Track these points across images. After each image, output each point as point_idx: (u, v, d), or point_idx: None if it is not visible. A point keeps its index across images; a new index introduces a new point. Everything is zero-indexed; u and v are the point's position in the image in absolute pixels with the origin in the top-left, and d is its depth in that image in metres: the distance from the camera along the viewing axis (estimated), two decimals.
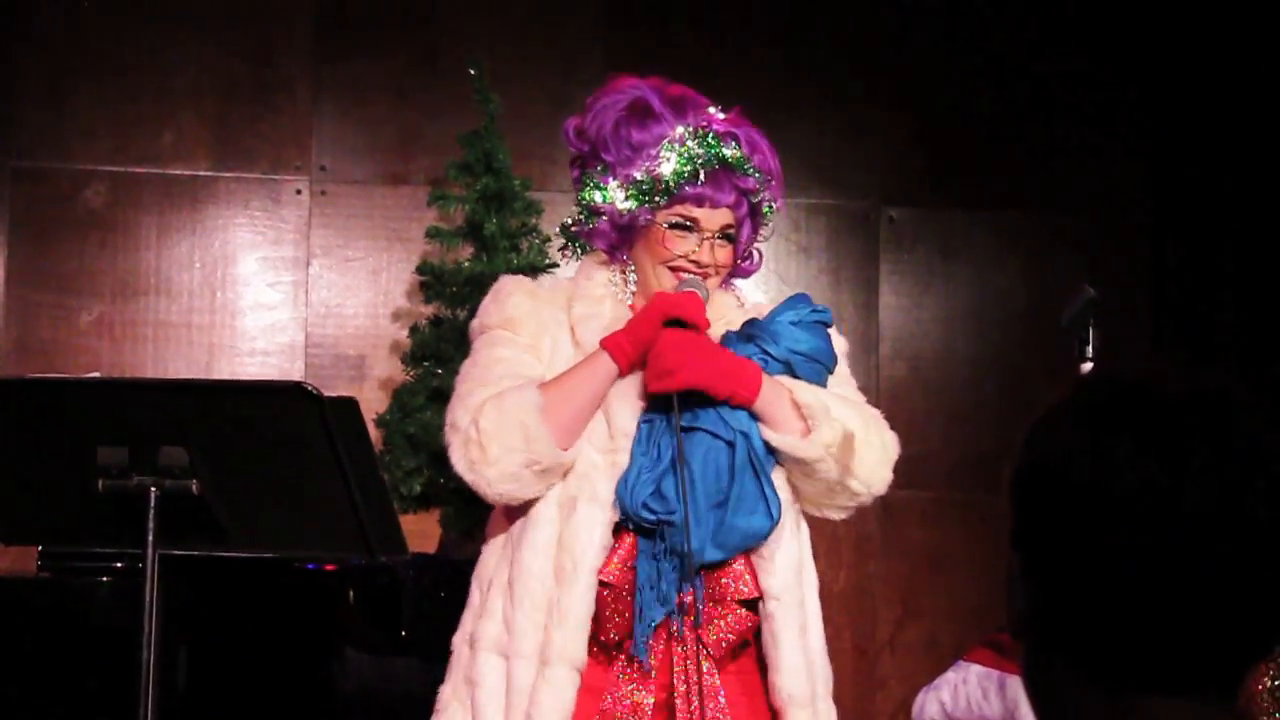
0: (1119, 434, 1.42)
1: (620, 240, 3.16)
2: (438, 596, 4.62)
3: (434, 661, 4.67)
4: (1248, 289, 6.14)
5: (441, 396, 5.13)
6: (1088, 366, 3.22)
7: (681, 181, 3.09)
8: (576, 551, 3.03)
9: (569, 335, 3.15)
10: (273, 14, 5.96)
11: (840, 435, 3.07)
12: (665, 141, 3.10)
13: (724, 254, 3.16)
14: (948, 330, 6.30)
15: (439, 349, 5.19)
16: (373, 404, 5.26)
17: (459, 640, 3.18)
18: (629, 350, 3.06)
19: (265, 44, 5.96)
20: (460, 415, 3.06)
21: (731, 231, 3.16)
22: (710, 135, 3.11)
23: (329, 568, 4.61)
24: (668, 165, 3.10)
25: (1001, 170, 6.33)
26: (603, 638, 3.06)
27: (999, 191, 6.34)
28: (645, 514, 3.01)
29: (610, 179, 3.13)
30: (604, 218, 3.14)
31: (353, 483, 3.03)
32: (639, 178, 3.10)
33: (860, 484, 3.13)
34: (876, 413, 3.21)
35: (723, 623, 3.06)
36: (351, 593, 4.61)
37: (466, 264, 5.25)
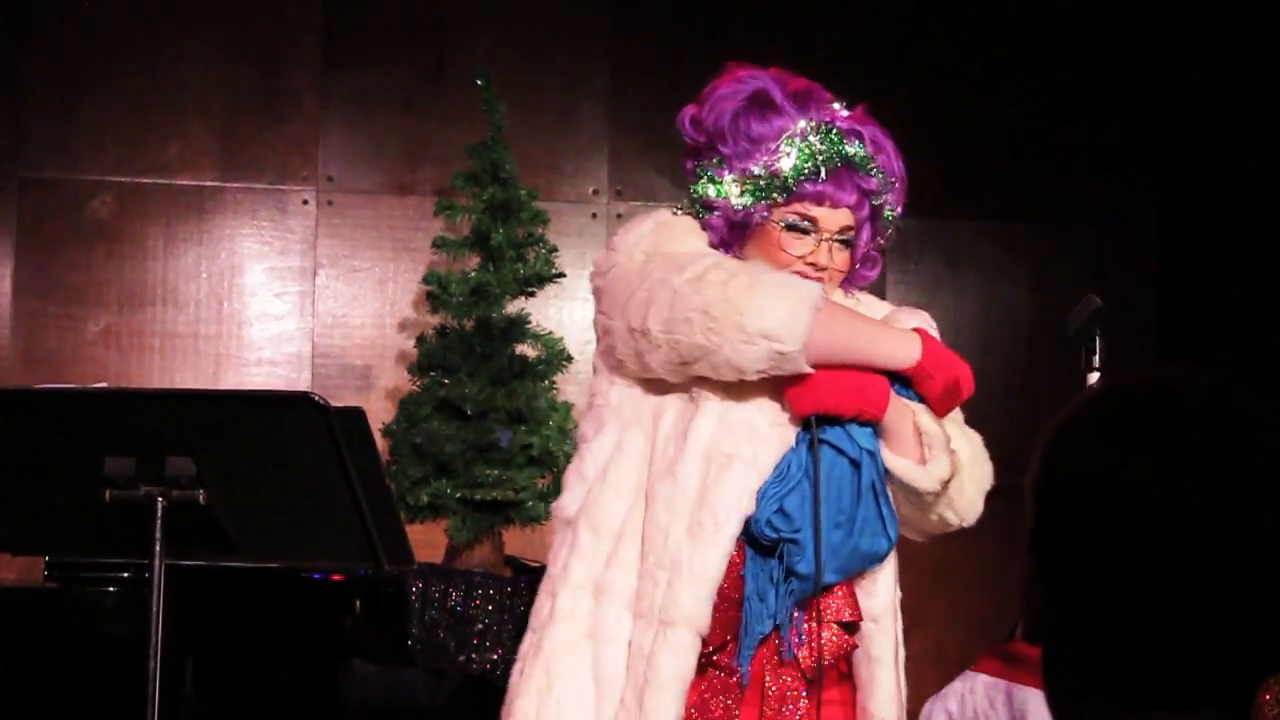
0: (1136, 447, 1.41)
1: (733, 238, 2.98)
2: (444, 607, 4.62)
3: (439, 672, 4.68)
4: (1253, 298, 6.13)
5: (448, 407, 5.14)
6: (1094, 376, 3.22)
7: (801, 178, 2.92)
8: (721, 512, 2.84)
9: None
10: (280, 25, 5.96)
11: (952, 469, 2.99)
12: (785, 135, 2.94)
13: (842, 258, 2.99)
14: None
15: (445, 359, 5.19)
16: (379, 414, 5.26)
17: (565, 587, 2.93)
18: (932, 365, 2.95)
19: (272, 55, 5.96)
20: (713, 260, 2.86)
21: (851, 234, 2.99)
22: (834, 131, 2.97)
23: (335, 578, 4.61)
24: (787, 160, 2.93)
25: (1008, 181, 6.33)
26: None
27: (1005, 202, 6.34)
28: (768, 531, 2.86)
29: (726, 172, 2.95)
30: (716, 213, 2.97)
31: (359, 493, 3.03)
32: (756, 172, 2.93)
33: (956, 516, 3.06)
34: (978, 438, 3.11)
35: (822, 642, 2.93)
36: (358, 603, 4.61)
37: (473, 274, 5.25)
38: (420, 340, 5.35)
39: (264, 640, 4.58)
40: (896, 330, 2.96)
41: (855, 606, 2.97)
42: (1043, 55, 6.34)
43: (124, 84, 5.88)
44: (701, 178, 2.98)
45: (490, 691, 4.58)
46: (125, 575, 4.50)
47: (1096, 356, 3.23)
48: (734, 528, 2.85)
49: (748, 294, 2.79)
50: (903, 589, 6.04)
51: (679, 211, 3.04)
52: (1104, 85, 6.37)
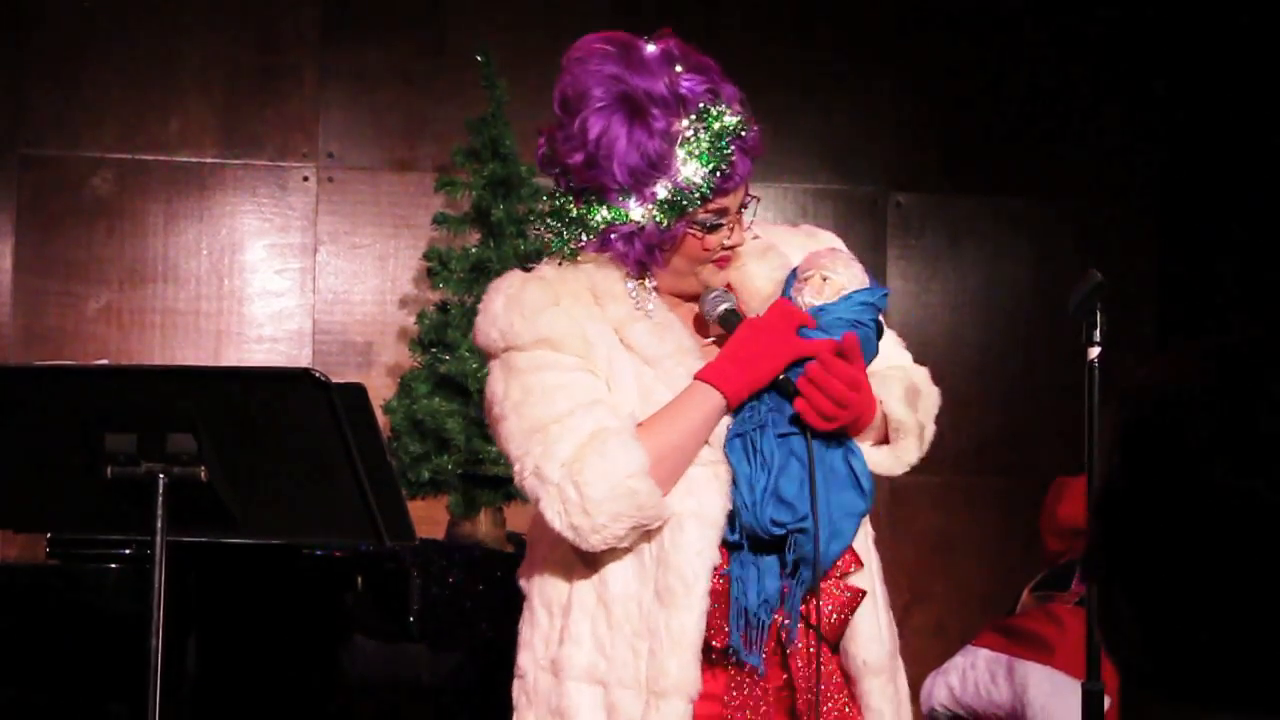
0: (1219, 442, 1.36)
1: (649, 256, 2.88)
2: (445, 583, 4.63)
3: (441, 648, 4.69)
4: (1254, 274, 6.13)
5: (449, 383, 5.14)
6: (1095, 351, 3.21)
7: (714, 184, 2.83)
8: (689, 575, 2.80)
9: (615, 338, 2.89)
10: (279, 1, 5.96)
11: (920, 441, 2.98)
12: (677, 143, 2.81)
13: (745, 221, 2.94)
14: (955, 315, 6.30)
15: (446, 335, 5.20)
16: (380, 390, 5.27)
17: (530, 666, 2.93)
18: (740, 389, 2.84)
19: (272, 31, 5.96)
20: (548, 466, 2.78)
21: (746, 197, 2.92)
22: (707, 113, 2.82)
23: (337, 554, 4.62)
24: (687, 168, 2.81)
25: (1009, 156, 6.32)
26: (712, 647, 2.86)
27: (1006, 177, 6.34)
28: (774, 529, 2.81)
29: (630, 200, 2.84)
30: (617, 235, 2.85)
31: (361, 469, 3.03)
32: (662, 195, 2.82)
33: (916, 456, 3.03)
34: (924, 373, 3.05)
35: (829, 601, 2.89)
36: (359, 579, 4.61)
37: (473, 250, 5.25)
38: (421, 316, 5.35)
39: (266, 616, 4.58)
40: (688, 394, 2.85)
41: (856, 557, 2.93)
42: (1043, 31, 6.33)
43: (124, 61, 5.87)
44: (590, 204, 2.87)
45: (491, 667, 4.60)
46: (127, 552, 4.50)
47: (1097, 331, 3.22)
48: (705, 584, 2.81)
49: (589, 518, 2.76)
50: (904, 564, 6.07)
51: (545, 247, 2.95)
52: (1104, 60, 6.36)
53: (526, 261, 5.27)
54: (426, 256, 5.40)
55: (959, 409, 6.28)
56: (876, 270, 6.24)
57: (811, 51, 6.23)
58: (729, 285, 2.99)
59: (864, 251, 6.19)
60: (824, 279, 2.97)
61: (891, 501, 6.04)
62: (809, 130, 6.15)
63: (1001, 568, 6.02)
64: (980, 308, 6.32)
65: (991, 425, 6.10)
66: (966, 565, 6.19)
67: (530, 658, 2.92)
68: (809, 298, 2.95)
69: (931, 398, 3.05)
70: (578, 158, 2.86)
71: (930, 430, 3.04)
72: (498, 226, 5.22)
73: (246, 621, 4.57)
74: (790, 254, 3.06)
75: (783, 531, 2.82)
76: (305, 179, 5.95)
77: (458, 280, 5.23)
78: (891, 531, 6.13)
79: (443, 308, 5.30)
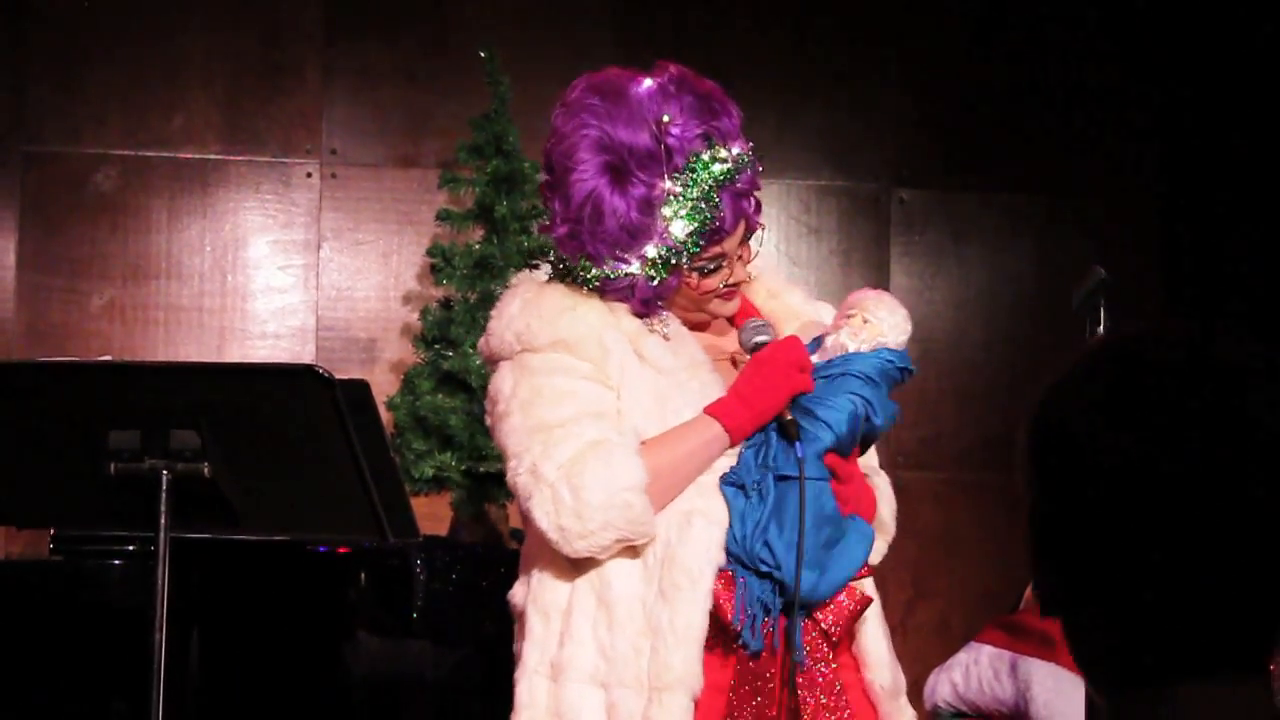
0: (1125, 418, 1.40)
1: (645, 308, 2.90)
2: (449, 580, 4.63)
3: (444, 645, 4.69)
4: (1259, 268, 6.13)
5: (452, 380, 5.14)
6: None
7: (703, 240, 2.83)
8: (695, 571, 2.81)
9: (630, 348, 2.89)
10: None
11: (885, 542, 3.07)
12: (659, 208, 2.81)
13: (749, 253, 2.94)
14: (959, 312, 6.29)
15: (450, 331, 5.20)
16: (383, 387, 5.27)
17: (526, 673, 2.89)
18: (743, 423, 2.86)
19: (275, 27, 5.95)
20: (546, 466, 2.80)
21: (749, 230, 2.92)
22: (695, 163, 2.81)
23: (340, 551, 4.62)
24: (677, 225, 2.81)
25: (1012, 152, 6.32)
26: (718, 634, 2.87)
27: (1010, 173, 6.33)
28: (762, 566, 2.82)
29: (621, 264, 2.84)
30: (613, 290, 2.88)
31: (364, 466, 3.03)
32: (653, 255, 2.83)
33: (879, 559, 3.09)
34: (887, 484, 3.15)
35: (837, 601, 2.91)
36: (362, 575, 4.61)
37: (477, 246, 5.25)
38: (424, 313, 5.35)
39: (268, 613, 4.59)
40: (691, 423, 2.87)
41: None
42: (1046, 27, 6.32)
43: (127, 57, 5.87)
44: (584, 263, 2.87)
45: (494, 664, 4.60)
46: (130, 548, 4.51)
47: (1101, 328, 3.22)
48: (709, 582, 2.82)
49: (580, 522, 2.77)
50: (907, 561, 6.05)
51: (548, 270, 2.96)
52: (1107, 56, 6.35)
53: (531, 258, 5.29)
54: (430, 253, 5.40)
55: (962, 406, 6.28)
56: (880, 266, 6.25)
57: (814, 48, 6.23)
58: (750, 313, 3.02)
59: (867, 248, 6.22)
60: (864, 321, 2.96)
61: (895, 499, 6.02)
62: (812, 127, 6.15)
63: (1005, 564, 6.01)
64: (984, 304, 6.32)
65: (995, 422, 6.10)
66: (970, 562, 6.19)
67: (522, 669, 2.90)
68: (845, 338, 2.94)
69: (893, 504, 3.14)
70: (562, 231, 2.88)
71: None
72: (501, 223, 5.22)
73: (249, 618, 4.57)
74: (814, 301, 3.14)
75: (767, 569, 2.83)
76: (309, 175, 5.95)
77: (461, 277, 5.23)
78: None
79: (446, 304, 5.30)
